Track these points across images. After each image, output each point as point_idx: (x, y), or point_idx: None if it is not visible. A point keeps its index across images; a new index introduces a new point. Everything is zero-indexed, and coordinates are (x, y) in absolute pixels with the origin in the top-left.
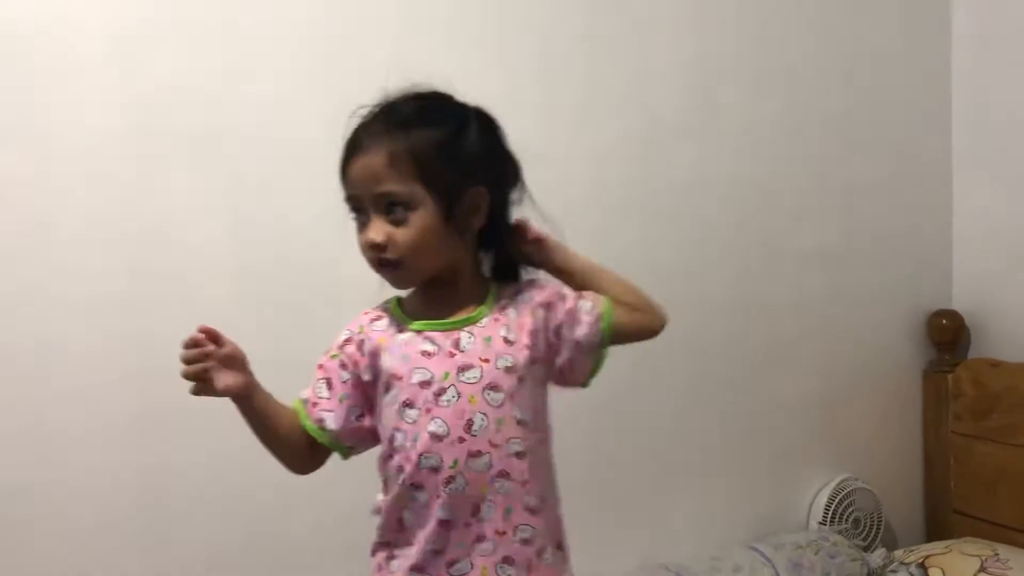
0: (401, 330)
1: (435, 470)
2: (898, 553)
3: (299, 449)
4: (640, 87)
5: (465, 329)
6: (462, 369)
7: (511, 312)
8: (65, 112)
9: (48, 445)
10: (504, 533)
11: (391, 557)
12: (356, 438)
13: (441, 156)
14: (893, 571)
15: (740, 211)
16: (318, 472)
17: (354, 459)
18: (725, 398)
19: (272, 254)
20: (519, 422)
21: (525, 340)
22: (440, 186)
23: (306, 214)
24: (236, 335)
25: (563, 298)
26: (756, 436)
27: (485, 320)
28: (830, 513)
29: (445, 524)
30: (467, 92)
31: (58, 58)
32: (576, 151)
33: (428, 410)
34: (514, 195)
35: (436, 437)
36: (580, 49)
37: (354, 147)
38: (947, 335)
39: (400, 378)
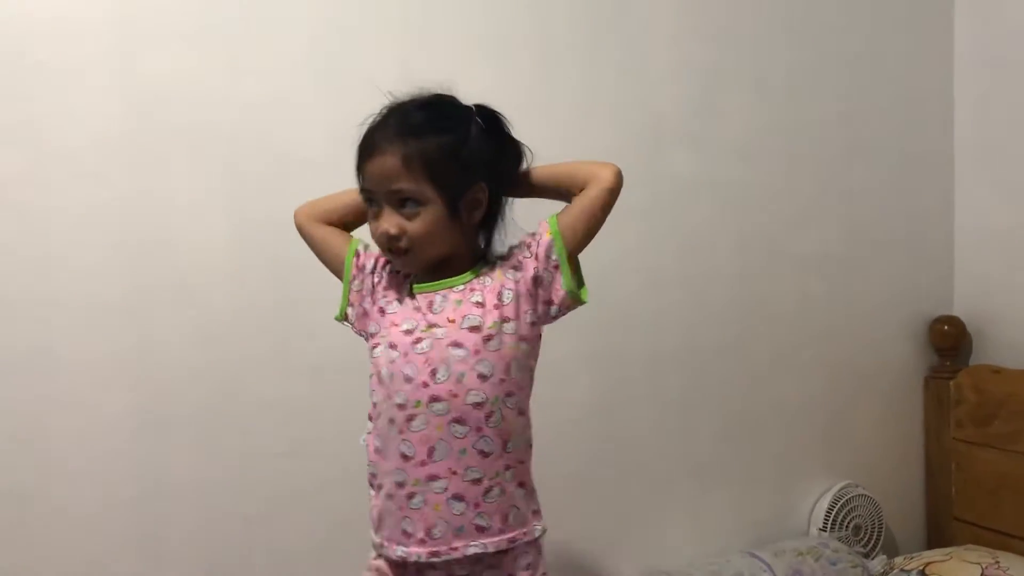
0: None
1: (401, 407)
2: (899, 560)
3: None
4: (640, 91)
5: (440, 293)
6: (431, 325)
7: (487, 280)
8: (63, 112)
9: (44, 450)
10: (456, 473)
11: (378, 486)
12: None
13: (447, 159)
14: None
15: (740, 216)
16: (311, 479)
17: (348, 466)
18: (726, 403)
19: (272, 255)
20: (480, 376)
21: (493, 301)
22: (446, 186)
23: None
24: (236, 337)
25: (528, 245)
26: (757, 442)
27: (461, 287)
28: (831, 519)
29: (405, 459)
30: (468, 95)
31: (56, 57)
32: (576, 154)
33: (405, 354)
34: (514, 177)
35: (407, 379)
36: (581, 53)
37: (371, 148)
38: (949, 341)
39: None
